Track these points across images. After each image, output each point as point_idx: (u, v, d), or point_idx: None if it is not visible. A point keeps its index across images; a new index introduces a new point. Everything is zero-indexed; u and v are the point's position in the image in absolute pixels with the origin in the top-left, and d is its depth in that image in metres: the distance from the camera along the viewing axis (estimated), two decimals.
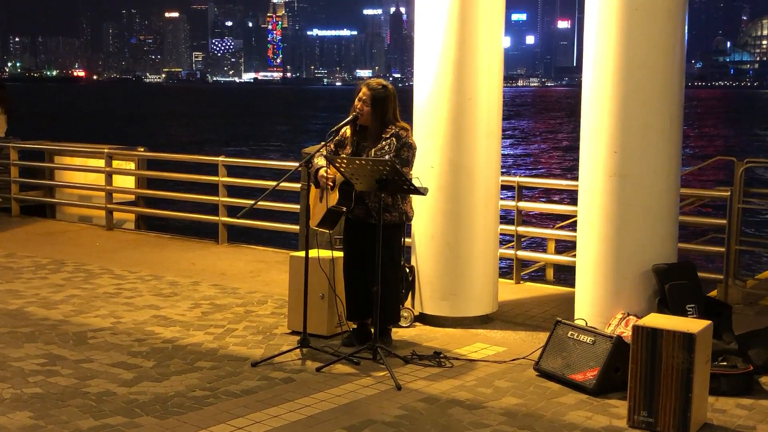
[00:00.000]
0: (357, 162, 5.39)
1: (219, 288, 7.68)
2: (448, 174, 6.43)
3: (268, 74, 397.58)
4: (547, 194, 18.36)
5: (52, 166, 12.17)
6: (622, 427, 4.56)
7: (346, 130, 5.88)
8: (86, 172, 11.71)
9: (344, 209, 5.74)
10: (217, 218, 10.10)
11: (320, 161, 5.78)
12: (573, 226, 7.73)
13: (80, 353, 5.66)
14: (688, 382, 4.41)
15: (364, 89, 5.79)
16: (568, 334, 5.35)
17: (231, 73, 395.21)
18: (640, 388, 4.52)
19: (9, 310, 6.75)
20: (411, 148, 5.75)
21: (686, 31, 5.97)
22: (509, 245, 8.30)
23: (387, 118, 5.75)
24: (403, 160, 5.66)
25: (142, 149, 11.34)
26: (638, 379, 4.53)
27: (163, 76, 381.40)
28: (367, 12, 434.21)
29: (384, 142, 5.67)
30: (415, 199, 6.03)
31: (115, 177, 11.28)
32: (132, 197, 11.46)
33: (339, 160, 5.47)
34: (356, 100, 5.79)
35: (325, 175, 5.68)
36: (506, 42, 6.75)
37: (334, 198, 5.70)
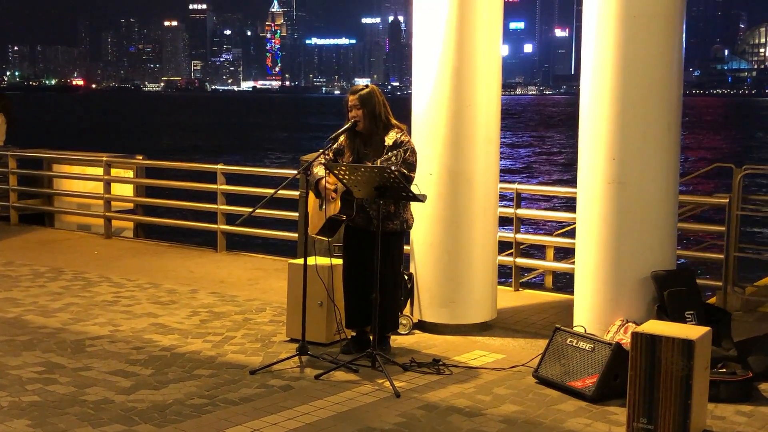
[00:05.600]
0: (362, 170, 5.37)
1: (217, 296, 7.67)
2: (447, 181, 6.43)
3: (267, 83, 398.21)
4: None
5: (50, 175, 12.16)
6: None
7: (343, 139, 5.86)
8: (85, 180, 11.71)
9: (344, 218, 5.73)
10: (216, 226, 10.10)
11: (319, 170, 5.77)
12: (571, 234, 7.72)
13: (78, 361, 5.65)
14: (688, 389, 4.41)
15: (350, 97, 5.78)
16: (567, 341, 5.34)
17: (230, 81, 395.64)
18: (639, 395, 4.52)
19: (7, 318, 6.73)
20: (414, 152, 5.75)
21: (684, 38, 5.98)
22: (508, 252, 8.29)
23: (377, 113, 5.71)
24: (410, 165, 5.66)
25: (141, 157, 11.34)
26: (637, 385, 4.52)
27: (162, 84, 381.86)
28: (366, 21, 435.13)
29: (390, 154, 5.63)
30: (413, 206, 6.02)
31: (113, 185, 11.29)
32: (130, 205, 11.44)
33: (338, 168, 5.46)
34: (348, 112, 5.77)
35: (327, 185, 5.67)
36: (504, 50, 6.76)
37: (336, 207, 5.69)
